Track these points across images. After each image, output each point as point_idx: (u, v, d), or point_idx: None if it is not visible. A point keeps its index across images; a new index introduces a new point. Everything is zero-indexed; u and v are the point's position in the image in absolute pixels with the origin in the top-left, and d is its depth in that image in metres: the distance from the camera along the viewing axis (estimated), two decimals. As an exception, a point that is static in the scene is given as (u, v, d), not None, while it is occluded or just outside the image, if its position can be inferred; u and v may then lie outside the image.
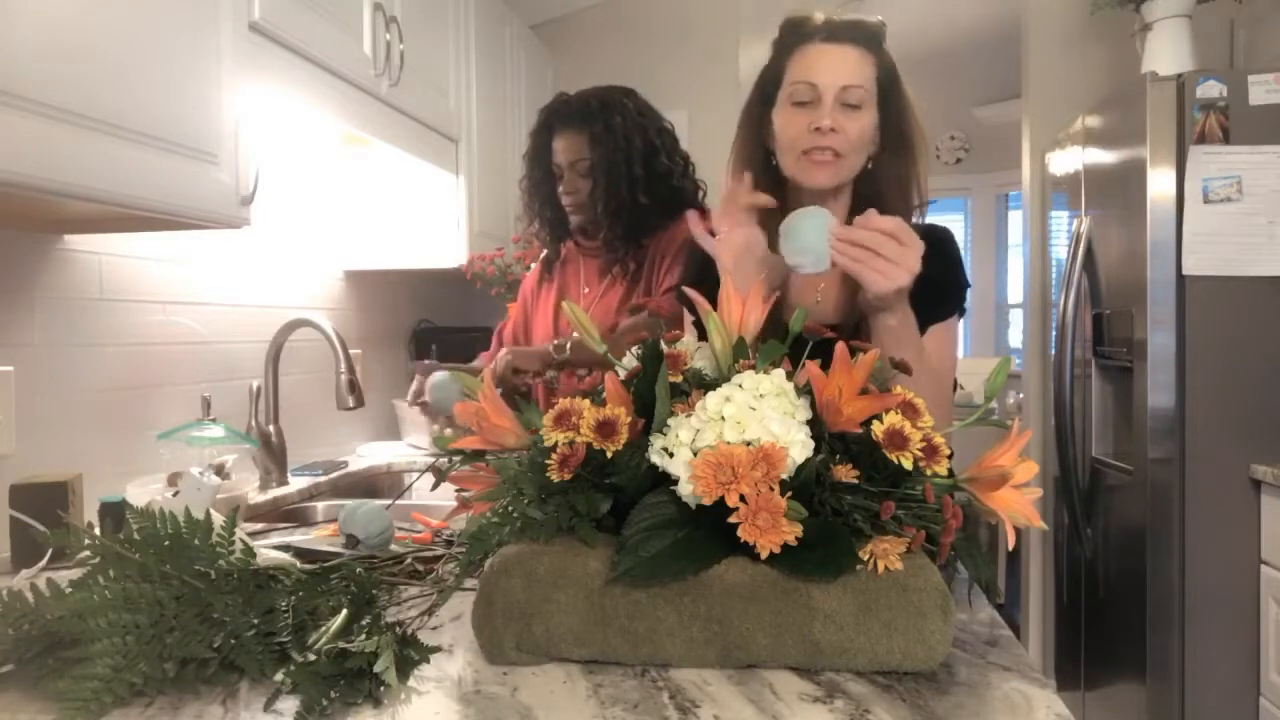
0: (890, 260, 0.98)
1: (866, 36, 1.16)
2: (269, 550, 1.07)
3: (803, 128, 1.14)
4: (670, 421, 0.79)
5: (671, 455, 0.77)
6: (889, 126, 1.18)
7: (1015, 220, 5.23)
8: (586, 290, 1.88)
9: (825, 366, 0.80)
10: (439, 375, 1.72)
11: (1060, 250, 2.85)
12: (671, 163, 1.81)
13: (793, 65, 1.16)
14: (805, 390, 0.81)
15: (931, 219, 1.25)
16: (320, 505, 1.85)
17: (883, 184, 1.18)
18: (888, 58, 1.17)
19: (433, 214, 2.40)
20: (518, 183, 1.92)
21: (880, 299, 1.01)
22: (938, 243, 1.14)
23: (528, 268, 2.04)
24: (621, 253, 1.79)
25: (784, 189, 1.20)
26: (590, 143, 1.76)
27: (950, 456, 0.80)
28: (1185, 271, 2.08)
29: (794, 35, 1.18)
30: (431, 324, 2.87)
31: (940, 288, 1.14)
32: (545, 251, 1.96)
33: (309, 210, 2.19)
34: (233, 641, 0.76)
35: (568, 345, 1.69)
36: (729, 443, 0.75)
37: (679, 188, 1.81)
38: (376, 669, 0.72)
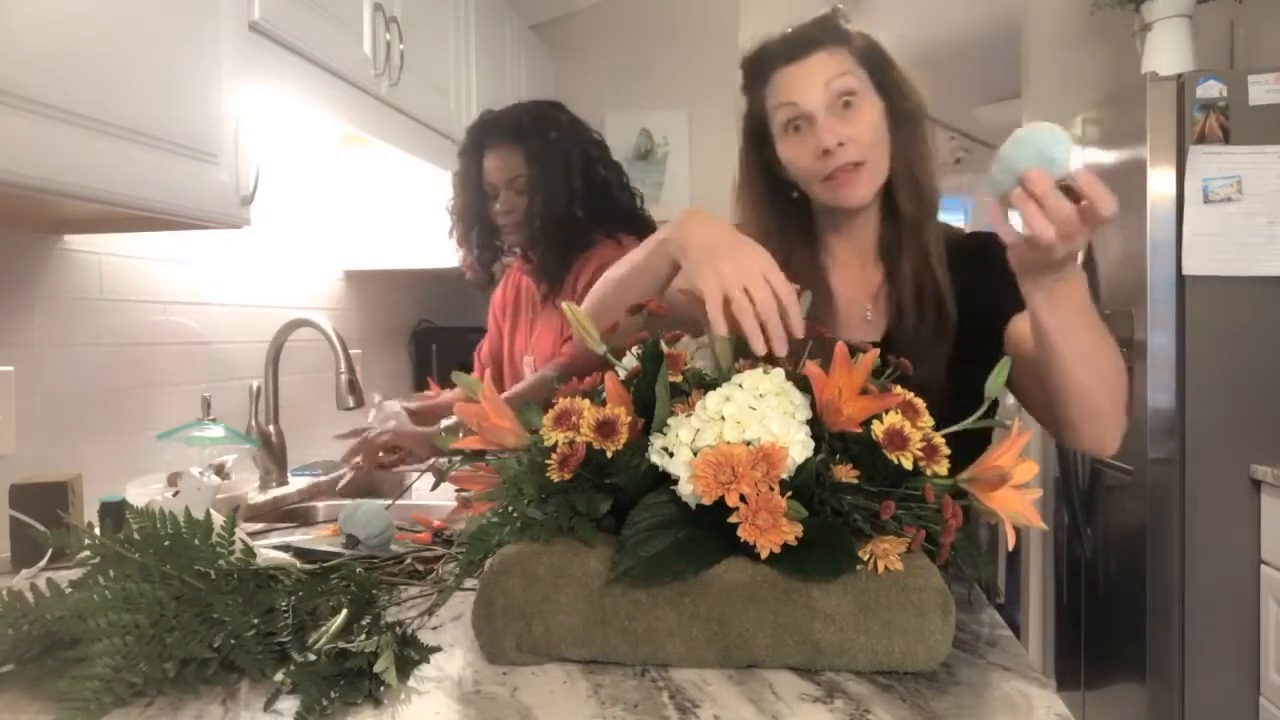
0: (1078, 233, 0.81)
1: (825, 33, 1.09)
2: (269, 550, 1.07)
3: (811, 157, 1.07)
4: (670, 421, 0.79)
5: (671, 455, 0.77)
6: (890, 102, 1.10)
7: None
8: (531, 314, 1.82)
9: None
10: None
11: (1060, 250, 2.85)
12: (608, 174, 1.75)
13: (770, 96, 1.11)
14: (806, 390, 0.81)
15: None
16: (320, 505, 1.85)
17: (902, 172, 1.10)
18: (862, 41, 1.10)
19: (433, 214, 2.39)
20: (451, 205, 1.83)
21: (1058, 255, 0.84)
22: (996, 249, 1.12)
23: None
24: (558, 270, 1.72)
25: (813, 219, 1.15)
26: (526, 159, 1.69)
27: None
28: (1185, 271, 2.08)
29: (756, 71, 1.12)
30: (431, 324, 2.87)
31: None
32: (477, 281, 1.87)
33: (309, 210, 2.19)
34: (233, 641, 0.76)
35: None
36: (729, 442, 0.75)
37: (618, 199, 1.75)
38: (376, 669, 0.72)
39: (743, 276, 0.88)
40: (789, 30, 1.11)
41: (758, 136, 1.15)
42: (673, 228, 1.00)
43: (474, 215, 1.78)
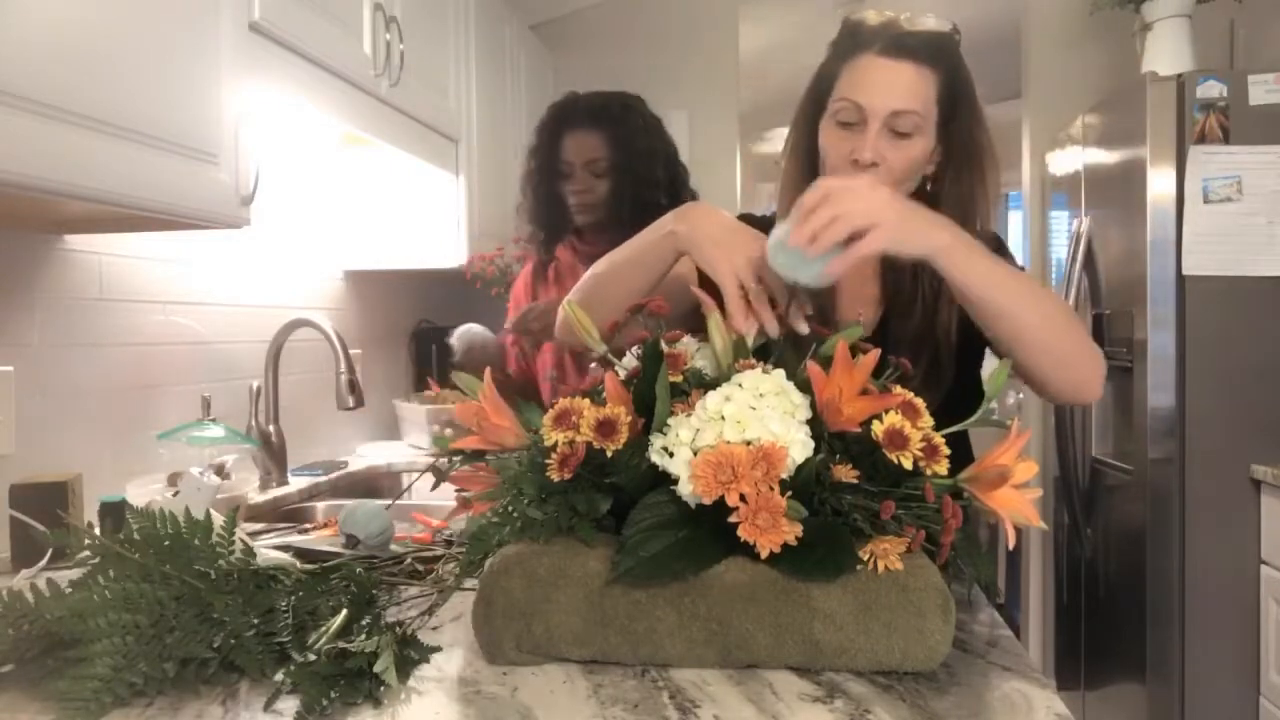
0: (849, 211, 0.86)
1: (932, 50, 1.03)
2: (269, 550, 1.07)
3: (844, 155, 1.04)
4: (670, 421, 0.79)
5: (671, 455, 0.77)
6: (953, 144, 1.07)
7: (1015, 220, 5.23)
8: None
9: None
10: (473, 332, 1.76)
11: (1060, 250, 2.85)
12: (682, 172, 1.83)
13: (844, 77, 1.05)
14: (805, 389, 0.81)
15: None
16: (320, 505, 1.85)
17: (940, 207, 1.06)
18: (955, 69, 1.06)
19: (433, 214, 2.39)
20: (523, 178, 1.89)
21: (899, 250, 0.90)
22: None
23: (526, 268, 2.03)
24: None
25: None
26: (609, 143, 1.75)
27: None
28: (1185, 271, 2.08)
29: (850, 41, 1.06)
30: (431, 324, 2.87)
31: None
32: (538, 256, 1.92)
33: (309, 210, 2.19)
34: (233, 641, 0.76)
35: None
36: (729, 442, 0.75)
37: (685, 199, 1.80)
38: (376, 669, 0.72)
39: (755, 266, 0.93)
40: (903, 19, 1.05)
41: (817, 98, 1.11)
42: (676, 220, 1.02)
43: (547, 192, 1.82)
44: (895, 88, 1.02)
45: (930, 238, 0.90)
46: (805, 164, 1.13)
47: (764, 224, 1.17)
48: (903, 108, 1.02)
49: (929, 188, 1.12)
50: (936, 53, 1.04)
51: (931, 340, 1.07)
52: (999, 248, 1.17)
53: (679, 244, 1.00)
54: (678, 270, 1.06)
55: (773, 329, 0.92)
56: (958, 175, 1.09)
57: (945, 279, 0.94)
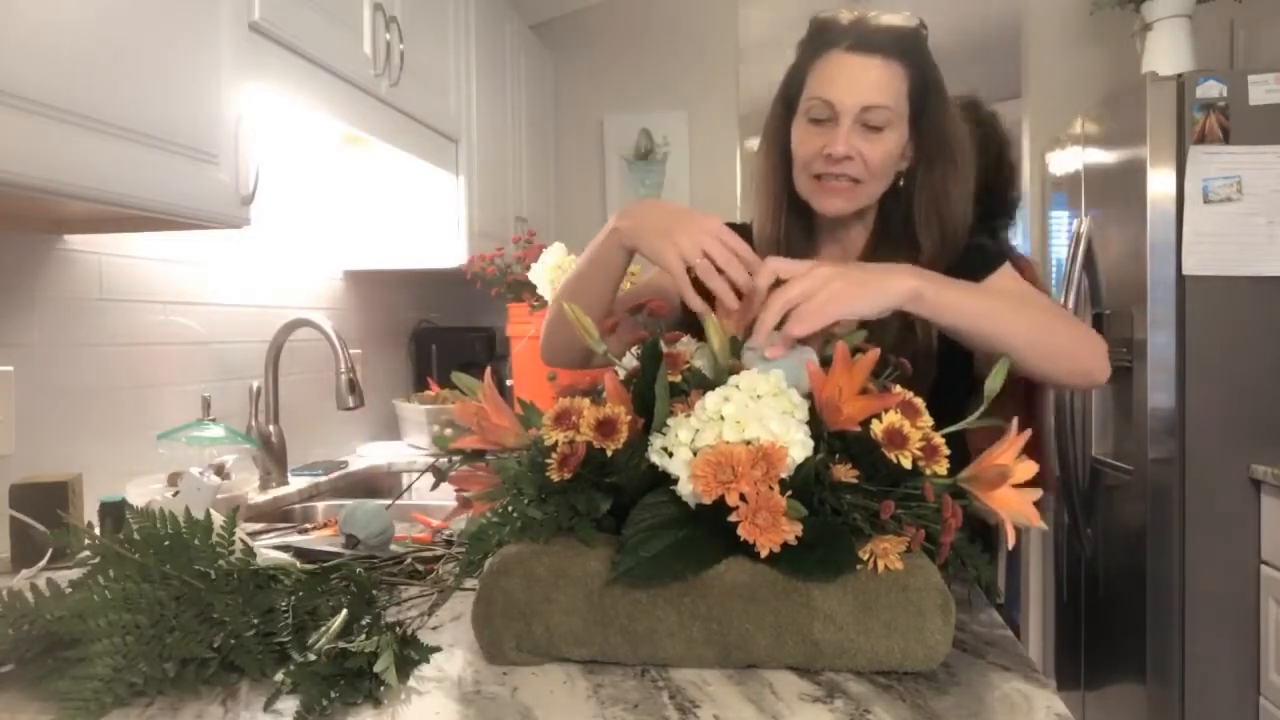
0: (813, 302, 0.85)
1: (900, 45, 1.04)
2: (269, 550, 1.07)
3: (816, 149, 1.04)
4: (670, 421, 0.79)
5: (671, 455, 0.77)
6: (925, 139, 1.08)
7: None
8: None
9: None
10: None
11: (1060, 250, 2.85)
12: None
13: (814, 75, 1.06)
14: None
15: None
16: (320, 505, 1.85)
17: (914, 202, 1.09)
18: (924, 64, 1.06)
19: (433, 214, 2.39)
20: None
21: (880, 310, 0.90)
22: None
23: (528, 268, 2.02)
24: None
25: (808, 207, 1.11)
26: None
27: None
28: (1185, 271, 2.08)
29: (819, 38, 1.07)
30: (431, 324, 2.87)
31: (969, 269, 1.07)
32: None
33: (309, 210, 2.19)
34: (233, 641, 0.76)
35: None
36: (729, 442, 0.75)
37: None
38: (376, 669, 0.72)
39: (698, 242, 0.92)
40: (870, 15, 1.05)
41: (787, 98, 1.11)
42: (619, 217, 1.02)
43: None
44: (865, 83, 1.02)
45: (893, 289, 0.89)
46: (779, 165, 1.13)
47: (743, 232, 1.17)
48: (873, 103, 1.02)
49: (899, 182, 1.12)
50: (905, 48, 1.05)
51: (910, 344, 1.06)
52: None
53: (623, 240, 1.01)
54: (659, 282, 1.06)
55: (731, 303, 0.90)
56: (930, 169, 1.09)
57: (940, 320, 0.93)
